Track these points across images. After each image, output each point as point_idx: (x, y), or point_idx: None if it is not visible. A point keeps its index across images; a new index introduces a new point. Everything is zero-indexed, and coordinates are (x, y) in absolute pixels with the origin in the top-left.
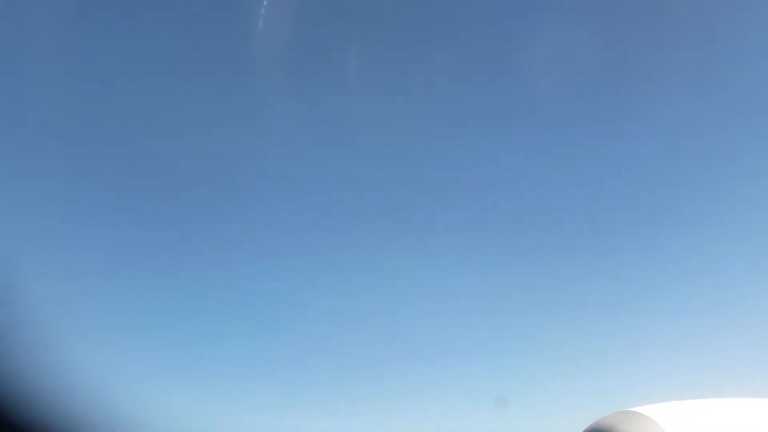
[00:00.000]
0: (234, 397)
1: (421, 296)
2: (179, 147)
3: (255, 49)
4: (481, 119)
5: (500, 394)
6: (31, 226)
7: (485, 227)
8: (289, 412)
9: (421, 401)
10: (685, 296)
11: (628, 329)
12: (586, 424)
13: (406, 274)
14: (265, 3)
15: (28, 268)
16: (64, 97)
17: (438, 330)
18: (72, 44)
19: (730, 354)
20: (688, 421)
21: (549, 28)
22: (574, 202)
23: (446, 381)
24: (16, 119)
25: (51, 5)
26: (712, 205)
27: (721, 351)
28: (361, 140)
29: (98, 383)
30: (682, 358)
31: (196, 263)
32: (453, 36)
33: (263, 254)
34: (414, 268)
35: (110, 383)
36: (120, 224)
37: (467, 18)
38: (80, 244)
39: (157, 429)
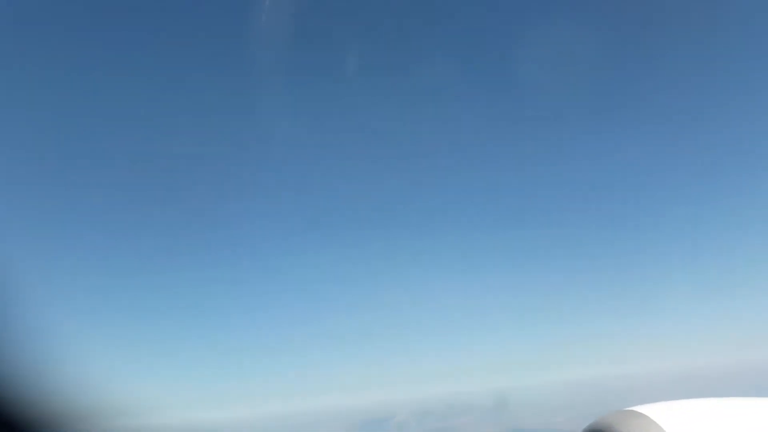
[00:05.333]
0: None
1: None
2: (178, 147)
3: (255, 49)
4: (480, 118)
5: (500, 395)
6: (25, 225)
7: (497, 227)
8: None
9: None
10: (685, 296)
11: (630, 327)
12: (585, 424)
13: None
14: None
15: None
16: (62, 96)
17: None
18: (72, 42)
19: (730, 352)
20: (688, 421)
21: (550, 31)
22: (577, 203)
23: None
24: (12, 119)
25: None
26: (714, 204)
27: (720, 350)
28: (361, 140)
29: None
30: (682, 356)
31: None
32: (453, 36)
33: (266, 251)
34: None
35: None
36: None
37: (468, 19)
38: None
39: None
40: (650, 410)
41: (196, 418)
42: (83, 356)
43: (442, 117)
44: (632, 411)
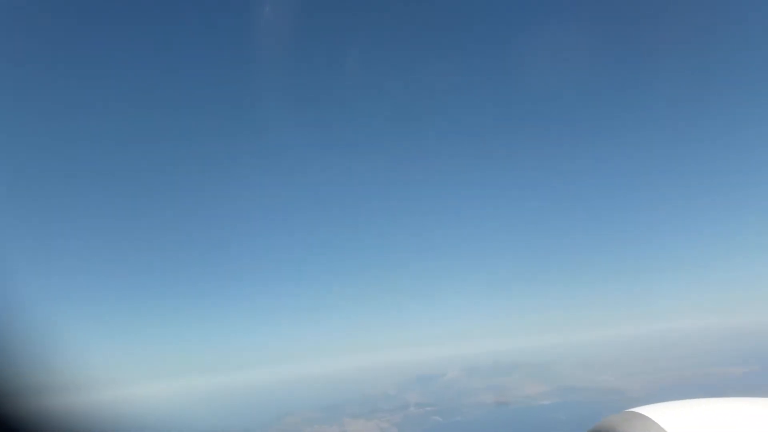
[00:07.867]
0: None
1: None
2: (178, 148)
3: (256, 46)
4: (481, 116)
5: (548, 353)
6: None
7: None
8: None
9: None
10: (684, 294)
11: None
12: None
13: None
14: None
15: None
16: (62, 94)
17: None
18: (74, 40)
19: (730, 352)
20: (689, 421)
21: (549, 33)
22: (578, 203)
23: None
24: (12, 119)
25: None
26: (718, 204)
27: (720, 349)
28: (361, 140)
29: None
30: (682, 357)
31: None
32: (454, 36)
33: (272, 255)
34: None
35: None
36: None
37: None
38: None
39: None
40: (652, 411)
41: (263, 373)
42: (60, 334)
43: (442, 115)
44: (634, 412)
